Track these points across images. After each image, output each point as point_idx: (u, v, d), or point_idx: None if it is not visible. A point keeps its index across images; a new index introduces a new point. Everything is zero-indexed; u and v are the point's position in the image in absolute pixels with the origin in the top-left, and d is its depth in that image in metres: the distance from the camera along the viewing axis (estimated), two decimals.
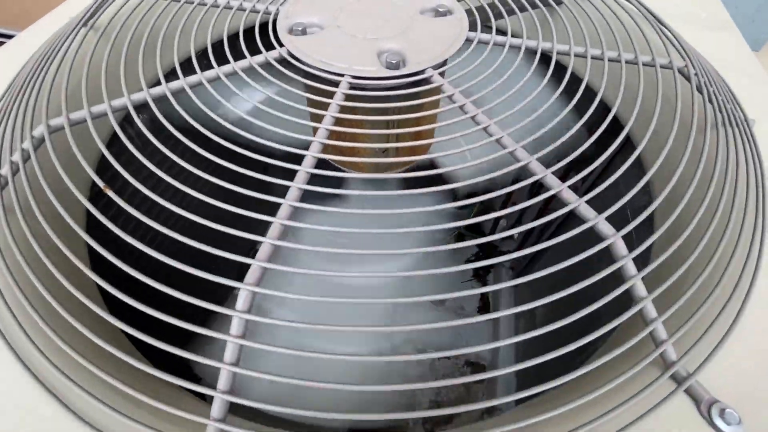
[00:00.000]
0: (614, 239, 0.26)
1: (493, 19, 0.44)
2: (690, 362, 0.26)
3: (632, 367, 0.25)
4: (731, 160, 0.36)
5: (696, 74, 0.39)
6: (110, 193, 0.26)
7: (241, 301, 0.23)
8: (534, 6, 0.46)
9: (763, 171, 0.37)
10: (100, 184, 0.27)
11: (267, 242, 0.25)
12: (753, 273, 0.30)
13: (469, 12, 0.44)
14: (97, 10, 0.45)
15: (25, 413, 0.24)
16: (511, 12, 0.46)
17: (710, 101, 0.40)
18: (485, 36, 0.40)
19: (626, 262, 0.26)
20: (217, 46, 0.39)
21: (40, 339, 0.26)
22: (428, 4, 0.43)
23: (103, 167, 0.34)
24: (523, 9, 0.47)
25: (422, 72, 0.36)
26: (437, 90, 0.37)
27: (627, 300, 0.27)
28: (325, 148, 0.31)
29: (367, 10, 0.42)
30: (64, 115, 0.33)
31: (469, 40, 0.40)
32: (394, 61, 0.36)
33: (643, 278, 0.27)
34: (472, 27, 0.41)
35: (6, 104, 0.37)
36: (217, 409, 0.22)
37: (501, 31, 0.42)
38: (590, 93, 0.36)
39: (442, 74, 0.37)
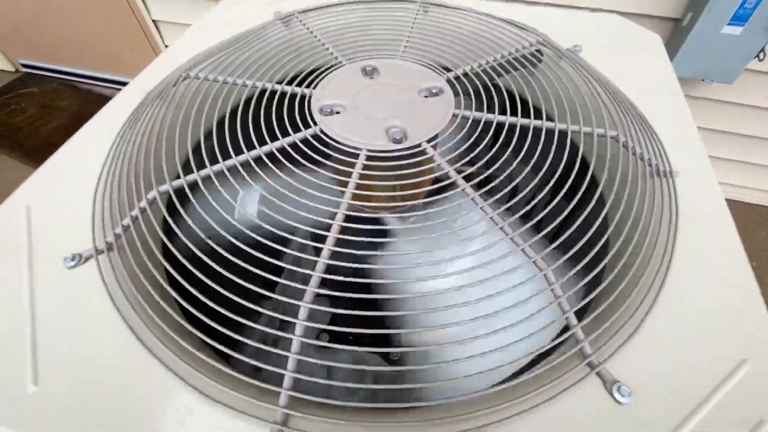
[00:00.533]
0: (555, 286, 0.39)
1: (472, 96, 0.58)
2: (601, 355, 0.38)
3: (559, 357, 0.37)
4: (656, 204, 0.49)
5: (632, 145, 0.52)
6: (211, 243, 0.40)
7: (303, 313, 0.36)
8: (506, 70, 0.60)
9: (678, 212, 0.50)
10: (204, 237, 0.41)
11: (315, 275, 0.38)
12: (657, 291, 0.43)
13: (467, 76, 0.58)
14: (167, 88, 0.60)
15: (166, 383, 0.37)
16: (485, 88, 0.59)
17: (641, 160, 0.52)
18: (467, 113, 0.54)
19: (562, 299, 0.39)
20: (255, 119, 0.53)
21: (159, 332, 0.39)
22: (424, 85, 0.57)
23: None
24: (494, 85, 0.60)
25: (419, 146, 0.50)
26: (430, 158, 0.50)
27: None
28: (354, 197, 0.45)
29: (377, 92, 0.56)
30: (167, 182, 0.47)
31: (455, 115, 0.53)
32: (398, 137, 0.50)
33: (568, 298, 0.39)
34: (458, 101, 0.55)
35: (115, 164, 0.52)
36: (283, 399, 0.34)
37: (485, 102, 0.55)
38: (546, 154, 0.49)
39: (434, 146, 0.50)
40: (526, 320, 0.37)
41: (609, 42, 0.77)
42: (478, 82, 0.59)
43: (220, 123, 0.62)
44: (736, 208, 1.73)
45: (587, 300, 0.40)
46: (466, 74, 0.61)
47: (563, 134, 0.52)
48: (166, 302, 0.40)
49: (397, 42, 0.68)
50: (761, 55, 1.16)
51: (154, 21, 1.87)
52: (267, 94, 0.58)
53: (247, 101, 0.59)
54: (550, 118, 0.54)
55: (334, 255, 0.39)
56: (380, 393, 0.56)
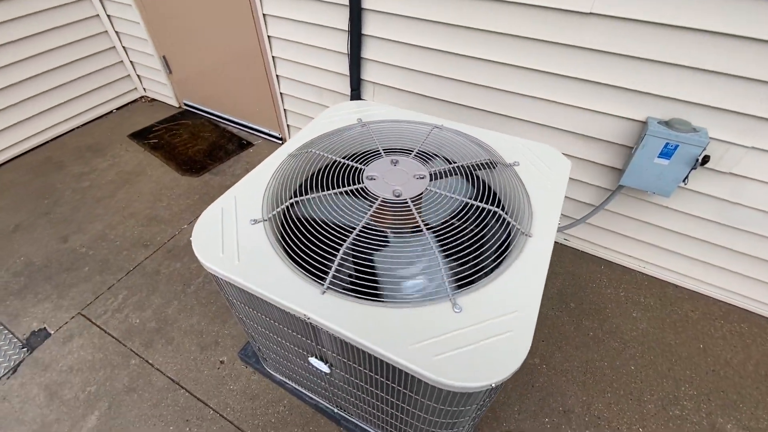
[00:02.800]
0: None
1: (444, 176, 1.18)
2: (457, 294, 0.93)
3: (437, 292, 0.93)
4: (515, 247, 1.03)
5: (509, 219, 1.08)
6: None
7: (342, 249, 0.96)
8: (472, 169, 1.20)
9: (522, 251, 1.03)
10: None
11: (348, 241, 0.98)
12: (492, 280, 0.97)
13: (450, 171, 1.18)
14: (299, 155, 1.28)
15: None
16: (452, 173, 1.19)
17: (517, 226, 1.08)
18: (434, 189, 1.13)
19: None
20: (336, 173, 1.18)
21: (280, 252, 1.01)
22: (417, 172, 1.18)
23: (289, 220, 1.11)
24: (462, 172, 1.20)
25: (405, 201, 1.10)
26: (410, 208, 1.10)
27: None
28: (373, 220, 1.05)
29: (394, 173, 1.19)
30: (292, 197, 1.12)
31: (428, 189, 1.13)
32: (397, 195, 1.11)
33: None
34: (433, 178, 1.15)
35: (274, 187, 1.18)
36: (327, 282, 0.94)
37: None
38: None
39: (413, 201, 1.10)
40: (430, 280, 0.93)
41: (537, 161, 1.33)
42: (449, 172, 1.19)
43: (315, 174, 1.28)
44: (699, 300, 2.05)
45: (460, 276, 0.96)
46: (445, 170, 1.22)
47: (483, 209, 1.09)
48: (284, 244, 1.03)
49: (415, 144, 1.31)
50: (686, 181, 1.62)
51: (281, 93, 2.76)
52: (343, 164, 1.23)
53: (330, 165, 1.25)
54: (493, 193, 1.12)
55: (355, 239, 1.00)
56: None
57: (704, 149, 1.52)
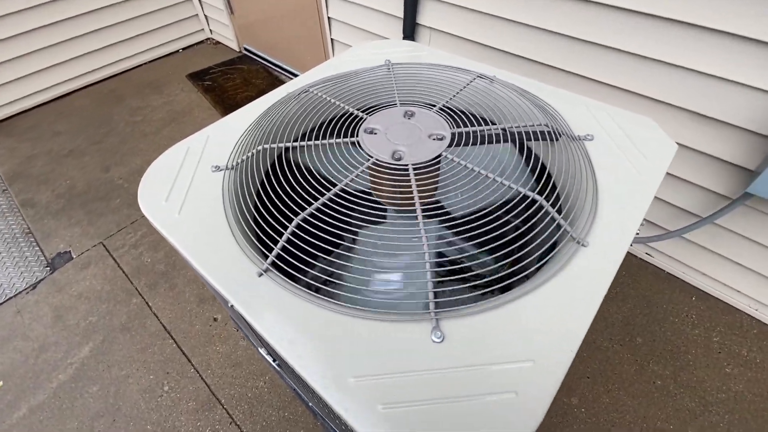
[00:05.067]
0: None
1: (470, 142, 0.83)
2: (441, 315, 0.61)
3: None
4: (561, 259, 0.67)
5: (552, 214, 0.71)
6: None
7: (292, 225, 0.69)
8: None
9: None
10: None
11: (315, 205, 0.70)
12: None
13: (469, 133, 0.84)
14: (300, 95, 1.00)
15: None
16: (479, 141, 0.84)
17: (558, 227, 0.71)
18: (450, 156, 0.80)
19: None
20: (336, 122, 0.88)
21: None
22: (434, 132, 0.85)
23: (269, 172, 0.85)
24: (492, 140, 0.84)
25: (405, 167, 0.78)
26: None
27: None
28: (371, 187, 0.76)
29: (404, 128, 0.86)
30: (266, 143, 0.86)
31: (444, 155, 0.80)
32: (397, 157, 0.79)
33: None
34: (453, 143, 0.81)
35: (251, 129, 0.93)
36: (268, 261, 0.68)
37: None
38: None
39: (415, 169, 0.78)
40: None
41: (623, 138, 0.91)
42: (483, 137, 0.84)
43: (306, 121, 1.00)
44: None
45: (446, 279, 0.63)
46: (475, 132, 0.86)
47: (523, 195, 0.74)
48: (236, 203, 0.78)
49: (444, 97, 0.96)
50: None
51: (332, 39, 2.48)
52: (340, 110, 0.93)
53: (327, 111, 0.96)
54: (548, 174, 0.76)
55: (322, 206, 0.72)
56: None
57: None
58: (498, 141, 0.86)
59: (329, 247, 0.67)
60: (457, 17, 1.72)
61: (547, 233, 0.70)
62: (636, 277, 1.75)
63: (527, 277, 0.67)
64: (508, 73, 1.09)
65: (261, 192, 0.82)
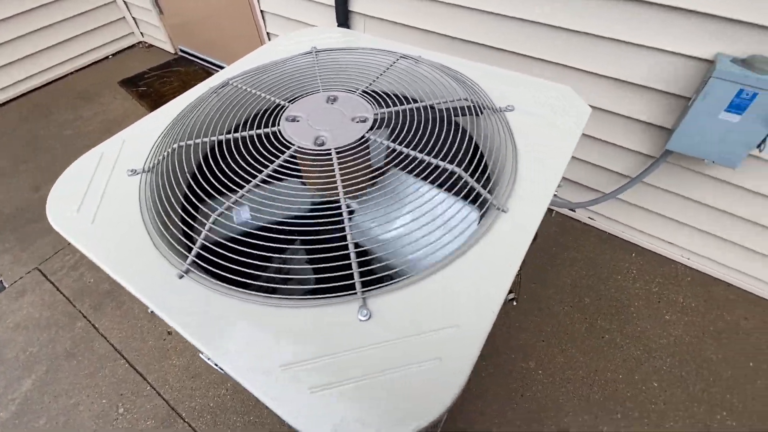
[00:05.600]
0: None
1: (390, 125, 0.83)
2: (368, 294, 0.61)
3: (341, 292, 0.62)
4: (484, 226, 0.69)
5: (471, 184, 0.73)
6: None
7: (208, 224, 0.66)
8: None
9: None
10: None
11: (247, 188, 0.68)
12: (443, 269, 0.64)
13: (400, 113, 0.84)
14: (219, 89, 0.96)
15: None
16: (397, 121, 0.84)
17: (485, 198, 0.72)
18: (373, 137, 0.79)
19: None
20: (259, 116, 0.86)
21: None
22: (356, 114, 0.84)
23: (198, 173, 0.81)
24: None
25: (328, 152, 0.77)
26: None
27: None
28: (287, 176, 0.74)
29: (327, 113, 0.85)
30: (183, 140, 0.82)
31: (366, 136, 0.79)
32: (319, 143, 0.78)
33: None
34: (374, 126, 0.81)
35: (169, 128, 0.89)
36: (188, 260, 0.65)
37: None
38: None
39: (338, 152, 0.77)
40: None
41: (541, 106, 0.94)
42: (409, 116, 0.84)
43: (228, 115, 0.97)
44: (757, 305, 1.60)
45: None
46: (399, 111, 0.87)
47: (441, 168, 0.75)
48: (153, 205, 0.74)
49: (367, 80, 0.96)
50: (762, 147, 1.16)
51: (267, 33, 2.41)
52: (261, 100, 0.91)
53: (249, 103, 0.93)
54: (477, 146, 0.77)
55: (244, 199, 0.69)
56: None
57: None
58: (422, 118, 0.87)
59: (250, 240, 0.66)
60: (390, 1, 1.72)
61: (467, 202, 0.72)
62: (580, 241, 1.84)
63: (450, 250, 0.68)
64: (434, 53, 1.10)
65: (188, 192, 0.79)
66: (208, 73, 3.06)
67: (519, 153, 0.83)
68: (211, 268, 0.65)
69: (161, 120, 0.95)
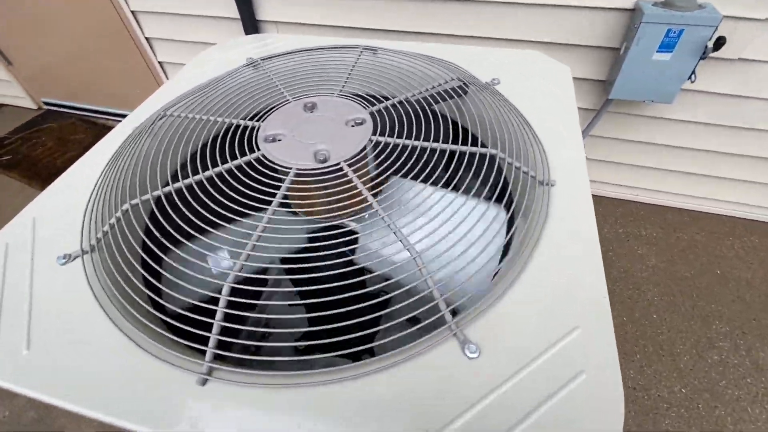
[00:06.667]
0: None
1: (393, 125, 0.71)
2: (459, 322, 0.49)
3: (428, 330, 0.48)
4: (533, 210, 0.60)
5: (511, 161, 0.64)
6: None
7: (225, 292, 0.48)
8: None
9: (548, 214, 0.61)
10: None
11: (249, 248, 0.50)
12: (517, 273, 0.54)
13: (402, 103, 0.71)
14: (154, 123, 0.75)
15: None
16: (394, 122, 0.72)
17: (524, 173, 0.64)
18: (380, 139, 0.67)
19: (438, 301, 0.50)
20: (222, 144, 0.67)
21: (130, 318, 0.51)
22: (350, 117, 0.70)
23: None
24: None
25: (338, 164, 0.62)
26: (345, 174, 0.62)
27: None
28: (296, 207, 0.57)
29: (312, 124, 0.70)
30: (138, 198, 0.60)
31: (371, 141, 0.66)
32: (321, 158, 0.63)
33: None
34: (377, 130, 0.68)
35: (103, 190, 0.65)
36: (211, 343, 0.46)
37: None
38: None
39: (350, 165, 0.63)
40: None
41: (523, 75, 0.90)
42: (402, 111, 0.72)
43: (195, 153, 0.77)
44: (702, 220, 1.81)
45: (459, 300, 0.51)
46: (391, 106, 0.75)
47: (460, 153, 0.64)
48: (136, 294, 0.52)
49: (339, 81, 0.82)
50: (693, 77, 1.28)
51: (160, 63, 2.09)
52: (232, 129, 0.72)
53: (216, 137, 0.73)
54: (465, 133, 0.67)
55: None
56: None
57: (716, 28, 1.16)
58: (421, 109, 0.76)
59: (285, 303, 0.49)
60: (302, 2, 1.58)
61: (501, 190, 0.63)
62: None
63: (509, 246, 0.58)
64: (387, 42, 1.00)
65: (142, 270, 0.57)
66: (93, 123, 2.59)
67: (533, 125, 0.76)
68: (237, 355, 0.47)
69: (76, 185, 0.70)
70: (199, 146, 0.73)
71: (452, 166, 0.66)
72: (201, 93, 0.83)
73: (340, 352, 0.47)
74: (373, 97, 0.79)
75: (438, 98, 0.81)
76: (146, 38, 1.97)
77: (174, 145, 0.70)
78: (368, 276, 0.52)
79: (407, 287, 0.49)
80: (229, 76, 0.89)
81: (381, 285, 0.55)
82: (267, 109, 0.75)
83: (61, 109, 2.70)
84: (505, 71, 0.90)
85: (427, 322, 0.48)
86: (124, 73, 2.26)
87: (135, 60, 2.13)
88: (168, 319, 0.50)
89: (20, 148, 2.42)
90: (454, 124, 0.82)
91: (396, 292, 0.50)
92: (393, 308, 0.48)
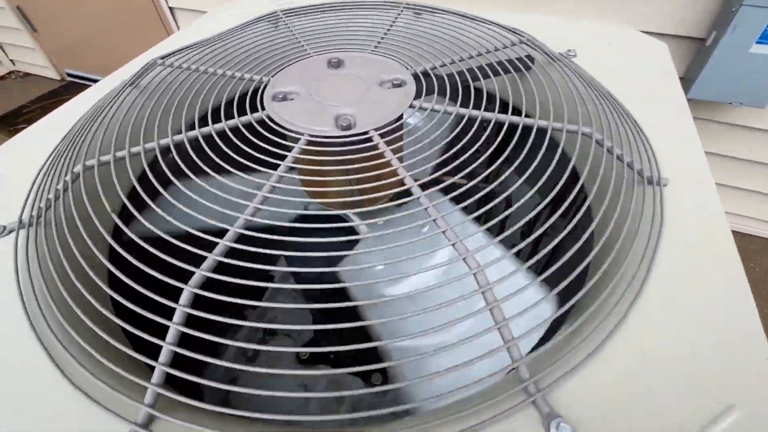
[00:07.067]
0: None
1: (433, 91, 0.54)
2: (541, 382, 0.31)
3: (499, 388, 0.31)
4: (640, 215, 0.42)
5: (610, 145, 0.46)
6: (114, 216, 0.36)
7: (184, 298, 0.31)
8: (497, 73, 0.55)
9: (662, 225, 0.42)
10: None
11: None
12: (623, 314, 0.35)
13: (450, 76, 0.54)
14: (142, 75, 0.60)
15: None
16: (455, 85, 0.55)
17: (620, 161, 0.46)
18: (426, 104, 0.49)
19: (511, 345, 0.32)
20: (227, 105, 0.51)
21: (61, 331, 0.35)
22: (387, 77, 0.53)
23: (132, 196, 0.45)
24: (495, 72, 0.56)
25: (366, 133, 0.45)
26: (376, 147, 0.45)
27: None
28: (303, 184, 0.41)
29: (337, 82, 0.53)
30: (96, 157, 0.45)
31: (412, 107, 0.49)
32: (345, 124, 0.46)
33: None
34: (420, 94, 0.51)
35: (62, 147, 0.51)
36: (156, 377, 0.30)
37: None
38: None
39: (382, 135, 0.46)
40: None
41: (609, 49, 0.71)
42: (457, 79, 0.55)
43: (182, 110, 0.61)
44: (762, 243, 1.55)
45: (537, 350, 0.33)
46: (437, 70, 0.57)
47: (540, 131, 0.46)
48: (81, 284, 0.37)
49: (372, 40, 0.65)
50: None
51: None
52: (233, 84, 0.56)
53: (212, 91, 0.58)
54: (527, 115, 0.49)
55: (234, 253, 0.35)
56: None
57: None
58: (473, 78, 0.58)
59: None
60: None
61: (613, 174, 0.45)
62: None
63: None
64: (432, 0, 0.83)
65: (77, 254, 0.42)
66: None
67: (626, 107, 0.57)
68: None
69: (35, 144, 0.56)
70: (188, 101, 0.57)
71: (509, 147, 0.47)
72: (203, 43, 0.68)
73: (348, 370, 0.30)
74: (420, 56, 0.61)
75: (497, 68, 0.63)
76: (170, 8, 1.86)
77: (157, 100, 0.55)
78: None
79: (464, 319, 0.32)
80: (246, 26, 0.74)
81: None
82: (285, 65, 0.59)
83: (84, 82, 2.63)
84: (583, 42, 0.72)
85: (490, 375, 0.31)
86: (147, 49, 2.16)
87: (158, 33, 2.03)
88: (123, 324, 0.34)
89: (38, 118, 2.36)
90: (504, 106, 0.64)
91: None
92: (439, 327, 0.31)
